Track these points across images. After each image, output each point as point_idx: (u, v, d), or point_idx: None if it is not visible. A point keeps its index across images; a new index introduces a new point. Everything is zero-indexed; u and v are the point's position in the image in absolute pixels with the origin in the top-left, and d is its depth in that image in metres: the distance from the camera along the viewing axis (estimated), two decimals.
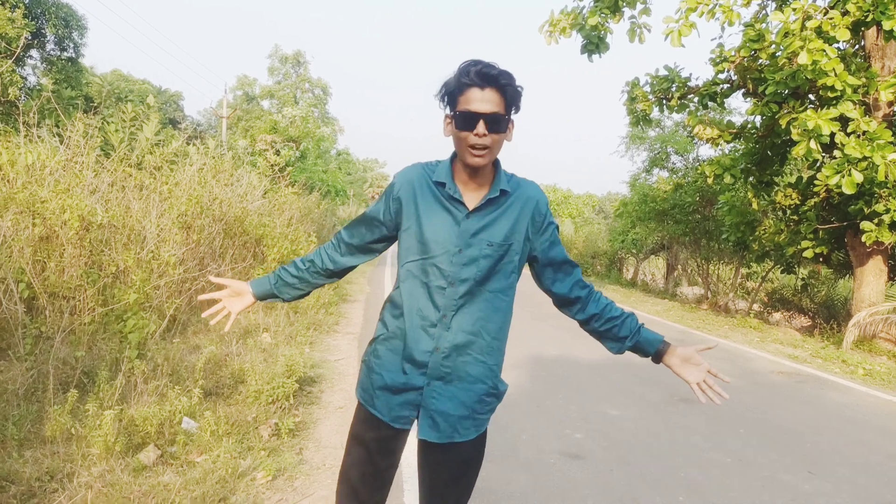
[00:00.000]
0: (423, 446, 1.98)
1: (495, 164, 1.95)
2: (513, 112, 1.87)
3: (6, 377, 4.29)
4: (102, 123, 7.72)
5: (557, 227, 2.09)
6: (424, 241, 1.89)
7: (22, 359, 4.47)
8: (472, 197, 1.92)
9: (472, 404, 1.94)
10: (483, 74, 1.78)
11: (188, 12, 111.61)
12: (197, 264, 7.41)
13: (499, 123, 1.80)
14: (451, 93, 1.84)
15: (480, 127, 1.77)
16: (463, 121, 1.80)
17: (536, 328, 9.52)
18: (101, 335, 5.20)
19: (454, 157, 1.94)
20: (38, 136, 6.85)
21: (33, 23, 18.64)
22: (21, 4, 17.52)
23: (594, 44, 11.19)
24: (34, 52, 20.40)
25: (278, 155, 21.28)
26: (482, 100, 1.78)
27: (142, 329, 4.90)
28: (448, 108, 1.88)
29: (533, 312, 11.45)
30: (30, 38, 18.25)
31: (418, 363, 1.90)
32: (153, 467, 3.56)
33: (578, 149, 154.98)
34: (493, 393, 2.01)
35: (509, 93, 1.81)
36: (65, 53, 21.31)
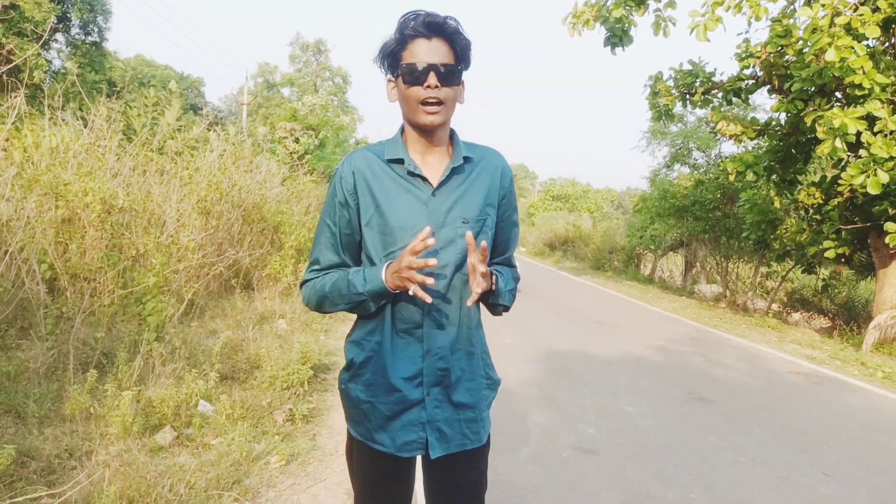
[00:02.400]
0: (433, 465, 1.78)
1: (452, 134, 1.77)
2: (464, 68, 1.68)
3: (28, 356, 4.37)
4: (125, 108, 7.79)
5: (516, 211, 1.89)
6: (390, 230, 1.66)
7: (43, 338, 4.54)
8: (433, 171, 1.71)
9: (475, 402, 1.76)
10: (429, 23, 1.59)
11: None
12: (215, 250, 7.48)
13: (452, 75, 1.62)
14: (393, 51, 1.64)
15: (432, 78, 1.59)
16: (411, 74, 1.60)
17: (552, 321, 9.49)
18: (121, 317, 5.27)
19: (402, 130, 1.75)
20: (63, 120, 6.93)
21: (59, 7, 18.82)
22: None
23: (618, 36, 11.08)
24: (59, 36, 20.61)
25: (297, 143, 21.36)
26: (430, 51, 1.60)
27: (160, 312, 4.96)
28: (390, 71, 1.68)
29: (549, 305, 11.43)
30: (56, 21, 18.43)
31: (411, 374, 1.69)
32: (169, 448, 3.61)
33: (599, 143, 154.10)
34: (490, 385, 1.84)
35: (459, 42, 1.63)
36: (89, 37, 21.53)
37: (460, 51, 1.64)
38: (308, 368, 4.96)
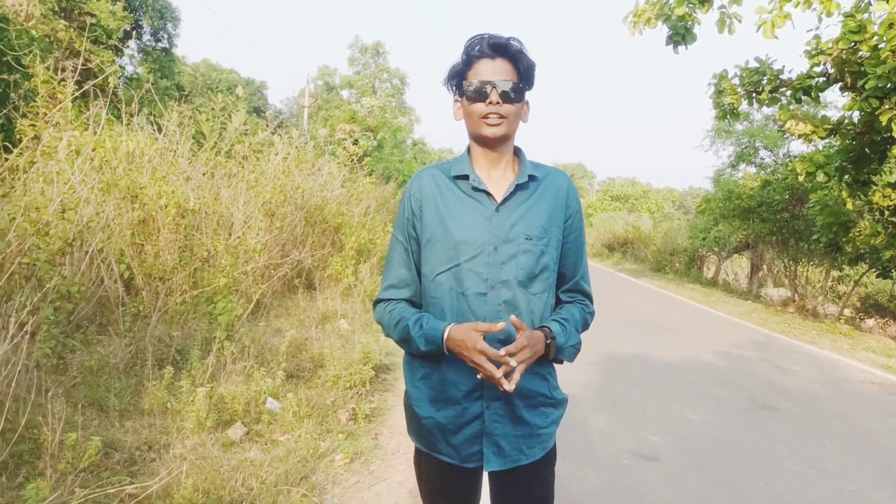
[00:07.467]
0: (492, 478, 1.82)
1: (518, 152, 1.83)
2: (527, 87, 1.75)
3: (108, 351, 4.60)
4: (194, 113, 8.10)
5: (583, 234, 1.88)
6: (454, 245, 1.71)
7: (122, 335, 4.79)
8: (498, 187, 1.76)
9: (533, 419, 1.76)
10: (493, 45, 1.68)
11: (272, 2, 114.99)
12: (279, 251, 7.69)
13: (514, 93, 1.69)
14: (460, 72, 1.74)
15: (494, 95, 1.67)
16: (475, 91, 1.69)
17: (611, 326, 9.38)
18: (192, 316, 5.49)
19: (469, 149, 1.82)
20: (138, 125, 7.25)
21: (132, 15, 19.64)
22: None
23: (680, 35, 10.83)
24: (132, 43, 21.50)
25: (356, 144, 21.68)
26: (494, 70, 1.68)
27: (230, 312, 5.15)
28: (456, 92, 1.78)
29: (607, 308, 11.28)
30: (128, 29, 19.23)
31: (470, 388, 1.72)
32: (240, 443, 3.76)
33: (660, 142, 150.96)
34: (551, 403, 1.82)
35: (523, 62, 1.70)
36: (159, 44, 22.40)
37: (524, 70, 1.72)
38: (370, 369, 5.07)
